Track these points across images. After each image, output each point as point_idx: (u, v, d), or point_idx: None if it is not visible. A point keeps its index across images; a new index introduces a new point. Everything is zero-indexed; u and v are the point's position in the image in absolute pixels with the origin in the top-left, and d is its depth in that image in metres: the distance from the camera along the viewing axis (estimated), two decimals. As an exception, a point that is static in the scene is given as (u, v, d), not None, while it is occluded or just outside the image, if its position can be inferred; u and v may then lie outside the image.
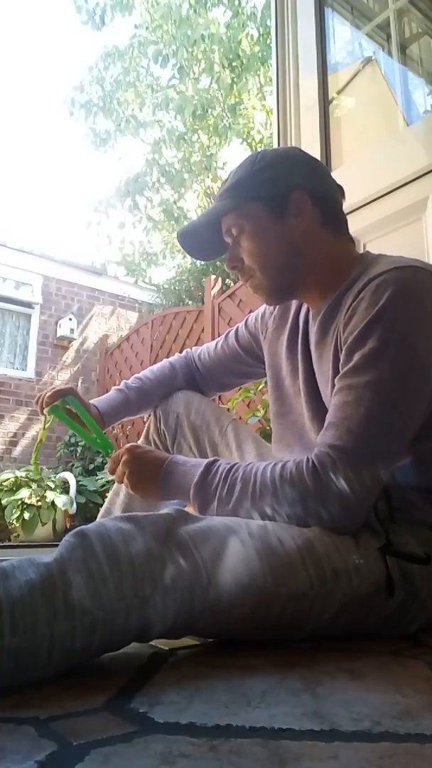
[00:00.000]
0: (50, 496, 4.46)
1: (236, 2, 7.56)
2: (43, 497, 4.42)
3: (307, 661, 0.69)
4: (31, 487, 4.43)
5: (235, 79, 7.76)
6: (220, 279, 4.76)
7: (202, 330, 4.57)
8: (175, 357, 1.34)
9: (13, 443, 6.06)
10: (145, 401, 1.27)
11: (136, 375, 1.32)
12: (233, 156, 8.87)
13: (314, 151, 1.79)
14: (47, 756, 0.42)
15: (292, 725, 0.48)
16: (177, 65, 7.93)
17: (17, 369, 6.37)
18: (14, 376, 6.23)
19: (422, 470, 0.87)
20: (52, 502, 4.43)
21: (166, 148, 8.71)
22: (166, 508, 0.75)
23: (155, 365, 1.33)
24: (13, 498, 4.29)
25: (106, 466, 1.18)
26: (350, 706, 0.53)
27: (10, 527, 4.29)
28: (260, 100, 8.07)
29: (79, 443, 6.08)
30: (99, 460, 5.89)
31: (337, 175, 1.12)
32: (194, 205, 9.11)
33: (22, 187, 19.46)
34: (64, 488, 4.81)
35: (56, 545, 0.66)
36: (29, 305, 6.53)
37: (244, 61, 7.64)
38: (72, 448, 6.09)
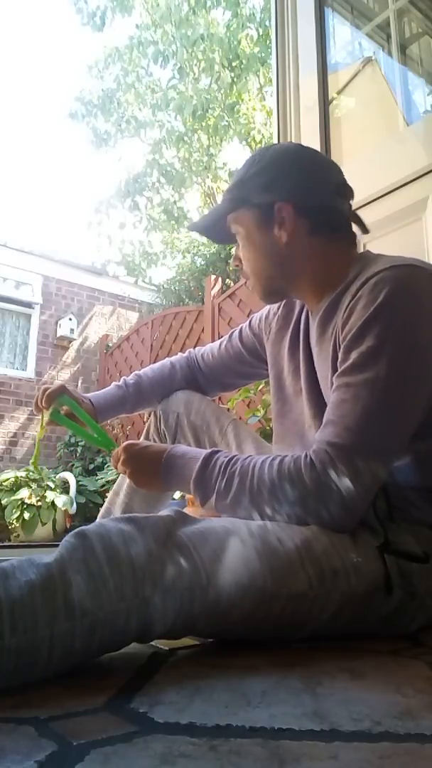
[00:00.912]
0: (50, 496, 4.46)
1: (236, 2, 7.56)
2: (43, 497, 4.42)
3: (307, 661, 0.69)
4: (31, 487, 4.43)
5: (235, 80, 7.76)
6: (220, 279, 4.76)
7: (202, 330, 4.57)
8: (177, 357, 1.34)
9: (13, 443, 6.06)
10: (141, 399, 1.27)
11: (136, 372, 1.32)
12: (233, 156, 8.87)
13: (314, 151, 1.78)
14: (47, 756, 0.42)
15: (292, 725, 0.48)
16: (177, 65, 7.94)
17: (17, 369, 6.37)
18: (14, 376, 6.23)
19: (422, 470, 0.87)
20: (52, 502, 4.43)
21: (166, 148, 8.71)
22: (166, 510, 0.75)
23: (156, 364, 1.34)
24: (13, 498, 4.29)
25: (108, 464, 1.19)
26: (350, 706, 0.53)
27: (10, 527, 4.28)
28: (260, 100, 8.07)
29: (79, 443, 6.08)
30: (99, 460, 5.89)
31: (337, 175, 1.11)
32: (194, 205, 9.12)
33: (23, 187, 19.47)
34: (64, 488, 4.81)
35: (56, 545, 0.66)
36: (29, 305, 6.53)
37: (243, 61, 7.64)
38: (72, 448, 6.09)
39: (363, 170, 1.74)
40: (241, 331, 1.25)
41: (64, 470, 5.52)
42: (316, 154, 1.02)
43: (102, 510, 1.30)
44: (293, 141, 2.00)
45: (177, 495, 3.11)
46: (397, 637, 0.81)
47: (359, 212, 1.03)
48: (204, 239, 7.39)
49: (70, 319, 6.58)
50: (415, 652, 0.74)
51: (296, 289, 1.00)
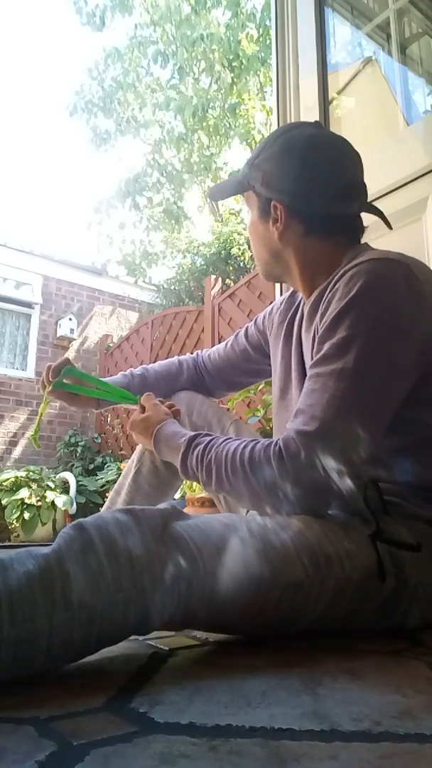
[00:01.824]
0: (50, 496, 4.46)
1: (236, 2, 7.55)
2: (43, 497, 4.42)
3: (307, 661, 0.69)
4: (31, 487, 4.44)
5: (235, 79, 7.76)
6: (220, 279, 4.76)
7: (202, 330, 4.57)
8: (185, 356, 1.37)
9: (13, 443, 6.06)
10: (145, 391, 1.28)
11: (144, 365, 1.33)
12: (233, 156, 8.87)
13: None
14: (47, 756, 0.42)
15: (292, 725, 0.48)
16: (177, 65, 7.94)
17: (17, 369, 6.37)
18: (14, 376, 6.23)
19: (414, 467, 0.87)
20: (52, 502, 4.44)
21: (166, 148, 8.71)
22: (163, 503, 0.75)
23: (164, 360, 1.35)
24: (13, 498, 4.30)
25: (108, 464, 1.22)
26: (350, 706, 0.53)
27: (10, 527, 4.29)
28: (260, 100, 8.07)
29: (79, 443, 6.08)
30: (99, 460, 5.89)
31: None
32: (194, 205, 9.11)
33: (23, 187, 19.46)
34: (64, 488, 4.82)
35: (56, 545, 0.66)
36: (29, 305, 6.53)
37: (244, 61, 7.65)
38: (72, 448, 6.09)
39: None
40: (247, 329, 1.28)
41: (64, 470, 5.52)
42: (327, 149, 0.96)
43: (103, 509, 1.30)
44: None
45: (177, 495, 3.11)
46: (394, 634, 0.81)
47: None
48: (204, 239, 7.40)
49: (70, 319, 6.58)
50: (415, 653, 0.74)
51: (291, 279, 1.03)
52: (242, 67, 7.72)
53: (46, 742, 0.45)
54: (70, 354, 6.65)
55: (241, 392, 2.91)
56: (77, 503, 4.73)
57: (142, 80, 8.74)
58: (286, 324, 1.10)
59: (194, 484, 2.92)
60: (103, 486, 5.03)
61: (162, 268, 9.49)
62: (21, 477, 4.50)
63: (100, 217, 9.23)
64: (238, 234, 6.06)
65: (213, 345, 4.38)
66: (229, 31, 7.66)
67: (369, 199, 1.00)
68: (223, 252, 6.16)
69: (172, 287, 6.97)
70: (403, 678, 0.62)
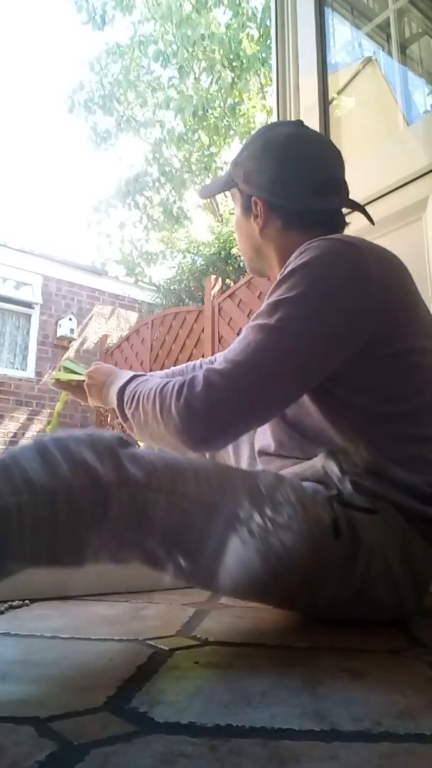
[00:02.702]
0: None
1: (237, 2, 7.56)
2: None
3: (307, 661, 0.69)
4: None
5: (235, 79, 7.76)
6: (220, 279, 4.76)
7: (202, 330, 4.57)
8: (199, 360, 1.39)
9: (13, 443, 6.06)
10: None
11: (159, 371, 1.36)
12: (233, 156, 8.87)
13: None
14: (47, 756, 0.42)
15: (292, 725, 0.48)
16: (177, 65, 7.94)
17: (17, 369, 6.37)
18: (14, 376, 6.23)
19: (373, 448, 0.87)
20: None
21: (167, 147, 8.71)
22: (114, 432, 0.77)
23: (178, 366, 1.36)
24: (13, 498, 4.29)
25: None
26: (350, 706, 0.53)
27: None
28: (261, 100, 8.07)
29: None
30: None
31: (337, 175, 1.11)
32: (194, 205, 9.11)
33: (23, 186, 19.47)
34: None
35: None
36: (29, 305, 6.53)
37: (244, 61, 7.65)
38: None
39: (363, 170, 1.74)
40: None
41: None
42: (305, 146, 0.99)
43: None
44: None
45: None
46: (391, 632, 0.81)
47: (359, 212, 1.03)
48: (204, 239, 7.40)
49: (70, 319, 6.58)
50: (415, 652, 0.74)
51: (273, 273, 1.06)
52: (242, 67, 7.72)
53: (46, 742, 0.45)
54: (70, 354, 6.65)
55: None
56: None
57: (142, 79, 8.74)
58: None
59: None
60: (103, 486, 5.03)
61: (162, 268, 9.50)
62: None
63: (100, 216, 9.23)
64: (238, 234, 6.05)
65: (213, 345, 4.38)
66: (230, 30, 7.66)
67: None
68: (223, 252, 6.17)
69: (172, 287, 6.97)
70: (403, 677, 0.62)
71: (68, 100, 8.79)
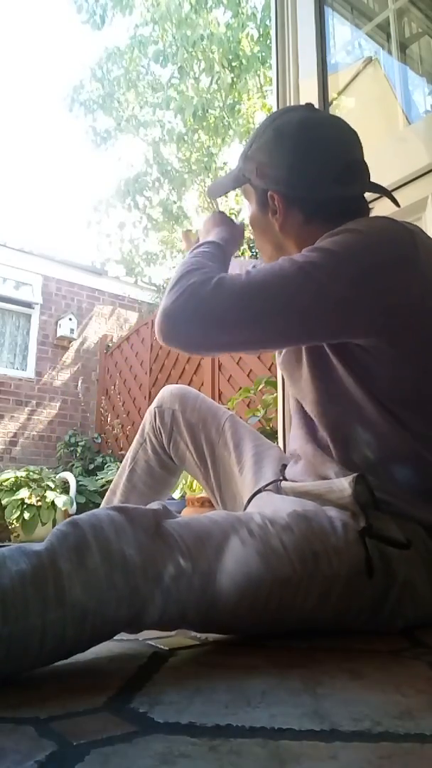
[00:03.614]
0: (50, 496, 4.46)
1: (236, 2, 7.55)
2: (43, 497, 4.42)
3: (307, 661, 0.69)
4: (31, 487, 4.44)
5: (235, 79, 7.76)
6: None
7: (202, 330, 4.56)
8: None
9: (13, 443, 6.06)
10: None
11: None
12: (233, 156, 8.87)
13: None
14: (47, 756, 0.42)
15: (292, 725, 0.48)
16: (177, 65, 7.93)
17: (17, 369, 6.37)
18: (14, 376, 6.23)
19: (410, 468, 0.87)
20: (52, 502, 4.44)
21: (166, 147, 8.71)
22: (154, 503, 0.75)
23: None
24: (13, 498, 4.30)
25: (108, 463, 1.20)
26: (350, 706, 0.53)
27: (10, 527, 4.29)
28: (260, 100, 8.07)
29: (79, 443, 6.08)
30: (99, 460, 5.89)
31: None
32: (194, 205, 9.11)
33: (22, 186, 19.47)
34: (64, 488, 4.82)
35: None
36: (29, 305, 6.53)
37: (244, 61, 7.64)
38: (72, 448, 6.09)
39: (363, 170, 1.73)
40: None
41: (64, 470, 5.52)
42: (320, 131, 0.94)
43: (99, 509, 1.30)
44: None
45: (177, 495, 3.11)
46: (391, 634, 0.80)
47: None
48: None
49: (70, 319, 6.58)
50: (415, 652, 0.74)
51: None
52: (242, 67, 7.71)
53: (46, 742, 0.45)
54: (70, 354, 6.65)
55: (241, 392, 2.91)
56: (77, 503, 4.73)
57: (142, 79, 8.73)
58: None
59: (194, 483, 2.92)
60: (103, 486, 5.03)
61: (162, 267, 9.49)
62: (21, 477, 4.50)
63: (100, 216, 9.23)
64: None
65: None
66: (230, 31, 7.65)
67: (369, 199, 0.99)
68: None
69: (172, 287, 6.96)
70: (403, 678, 0.62)
71: (68, 101, 8.79)
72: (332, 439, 0.92)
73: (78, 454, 6.02)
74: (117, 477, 1.29)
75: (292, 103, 2.06)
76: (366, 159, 0.99)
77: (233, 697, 0.55)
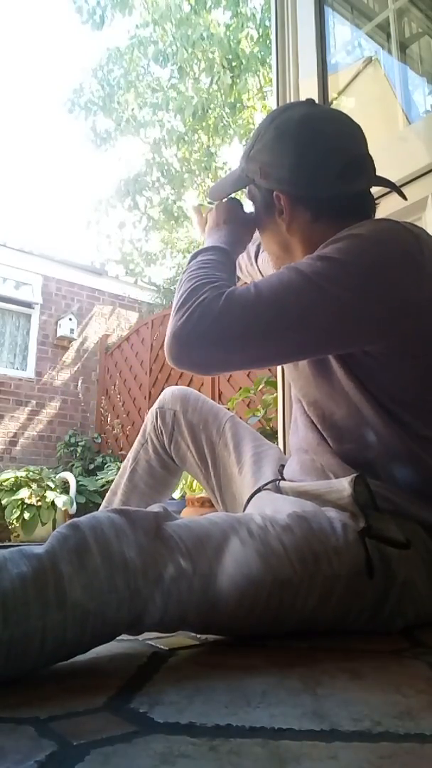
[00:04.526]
0: (50, 496, 4.46)
1: (236, 2, 7.55)
2: (43, 497, 4.42)
3: (307, 661, 0.69)
4: (31, 487, 4.44)
5: (235, 79, 7.75)
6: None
7: (202, 330, 4.56)
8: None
9: (13, 443, 6.06)
10: None
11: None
12: (233, 156, 8.87)
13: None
14: (47, 756, 0.42)
15: (292, 725, 0.48)
16: (177, 65, 7.93)
17: (17, 369, 6.37)
18: (14, 376, 6.23)
19: (409, 469, 0.87)
20: (52, 502, 4.44)
21: (166, 147, 8.70)
22: (155, 505, 0.75)
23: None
24: (13, 498, 4.30)
25: (108, 464, 1.20)
26: (350, 706, 0.53)
27: (10, 527, 4.29)
28: (260, 100, 8.06)
29: (79, 443, 6.08)
30: (99, 460, 5.89)
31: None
32: (194, 204, 9.10)
33: (22, 186, 19.47)
34: (64, 488, 4.82)
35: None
36: (29, 305, 6.53)
37: (243, 61, 7.64)
38: (72, 448, 6.09)
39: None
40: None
41: (64, 470, 5.52)
42: (322, 126, 0.93)
43: (100, 509, 1.30)
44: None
45: (177, 495, 3.11)
46: (391, 634, 0.81)
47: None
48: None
49: (70, 319, 6.58)
50: (415, 652, 0.74)
51: None
52: (242, 67, 7.71)
53: (46, 742, 0.45)
54: (70, 354, 6.65)
55: (241, 392, 2.91)
56: (77, 503, 4.73)
57: (142, 80, 8.73)
58: None
59: (194, 483, 2.92)
60: (103, 486, 5.03)
61: (162, 267, 9.48)
62: (21, 477, 4.50)
63: (100, 216, 9.22)
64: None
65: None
66: (229, 31, 7.65)
67: (377, 195, 0.99)
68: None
69: (172, 287, 6.97)
70: (403, 678, 0.62)
71: (68, 101, 8.79)
72: (332, 439, 0.92)
73: (78, 454, 6.02)
74: (118, 477, 1.29)
75: (292, 103, 2.06)
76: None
77: (233, 697, 0.55)
